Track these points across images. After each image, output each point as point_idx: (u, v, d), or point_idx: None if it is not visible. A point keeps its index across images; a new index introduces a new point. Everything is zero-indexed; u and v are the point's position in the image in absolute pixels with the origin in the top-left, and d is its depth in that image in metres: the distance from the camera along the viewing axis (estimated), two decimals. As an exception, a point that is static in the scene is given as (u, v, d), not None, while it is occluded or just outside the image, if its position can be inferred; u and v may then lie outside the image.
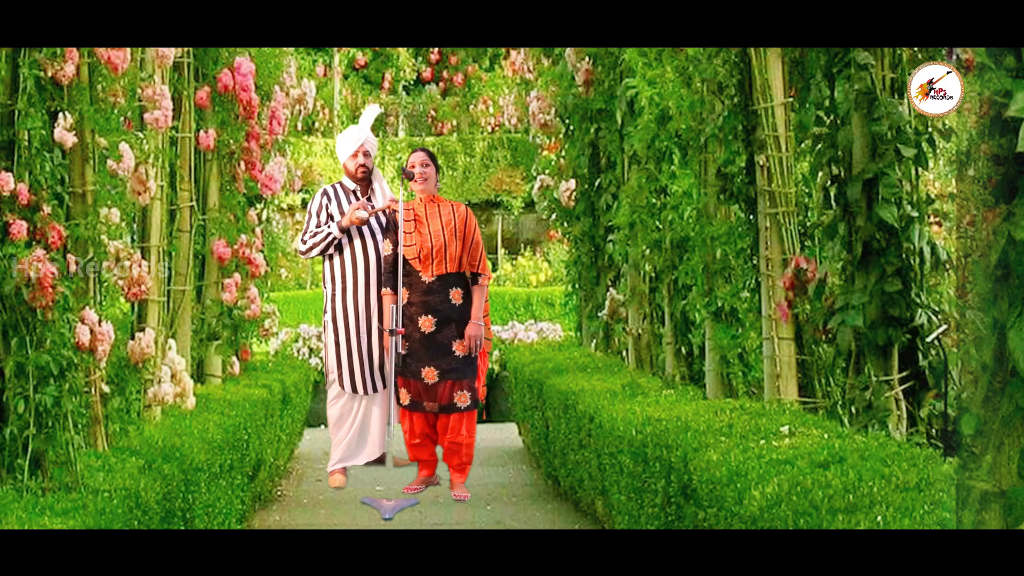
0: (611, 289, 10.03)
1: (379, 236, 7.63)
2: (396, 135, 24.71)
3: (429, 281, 7.44)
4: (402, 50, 25.16)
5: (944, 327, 6.03)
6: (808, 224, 6.73)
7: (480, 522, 8.25)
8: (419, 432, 7.58)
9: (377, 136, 7.95)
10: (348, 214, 7.58)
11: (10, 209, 4.93)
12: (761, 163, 6.54)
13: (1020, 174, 2.83)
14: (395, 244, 7.48)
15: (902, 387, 6.03)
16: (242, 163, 9.05)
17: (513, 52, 12.76)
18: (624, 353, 9.75)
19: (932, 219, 6.85)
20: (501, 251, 22.64)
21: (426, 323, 7.42)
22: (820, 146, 6.34)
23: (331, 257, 7.67)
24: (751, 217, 6.84)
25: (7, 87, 5.05)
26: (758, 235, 6.66)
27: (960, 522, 2.89)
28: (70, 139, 5.25)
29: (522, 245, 22.87)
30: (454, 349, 7.44)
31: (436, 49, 25.44)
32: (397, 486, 7.86)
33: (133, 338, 6.46)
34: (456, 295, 7.48)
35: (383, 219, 7.63)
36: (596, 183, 10.06)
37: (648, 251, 8.49)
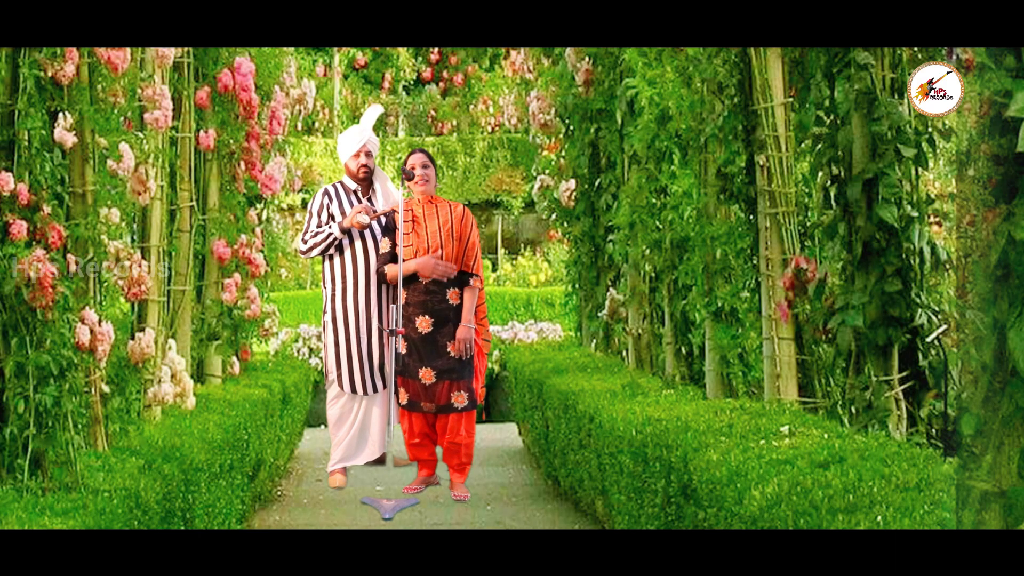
0: (611, 289, 10.04)
1: (380, 237, 7.62)
2: (396, 135, 24.72)
3: (427, 282, 7.44)
4: (402, 50, 25.18)
5: (944, 327, 6.03)
6: (808, 224, 6.73)
7: (480, 522, 8.25)
8: (418, 432, 7.58)
9: (377, 136, 7.93)
10: (349, 216, 7.57)
11: (10, 209, 4.93)
12: (761, 163, 6.54)
13: (1020, 174, 2.83)
14: (393, 244, 7.48)
15: (902, 387, 6.03)
16: (242, 163, 9.05)
17: (513, 52, 12.76)
18: (624, 353, 9.75)
19: (932, 219, 6.85)
20: (501, 251, 22.65)
21: (423, 323, 7.42)
22: (820, 146, 6.34)
23: (331, 257, 7.67)
24: (751, 217, 6.84)
25: (7, 87, 5.05)
26: (758, 235, 6.66)
27: (960, 522, 2.89)
28: (70, 139, 5.25)
29: (522, 245, 22.88)
30: (450, 350, 7.44)
31: (436, 49, 25.45)
32: (397, 486, 7.86)
33: (133, 338, 6.46)
34: (454, 295, 7.47)
35: (383, 220, 7.63)
36: (596, 183, 10.06)
37: (648, 251, 8.50)
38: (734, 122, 6.74)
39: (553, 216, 11.09)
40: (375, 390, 7.64)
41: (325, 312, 7.68)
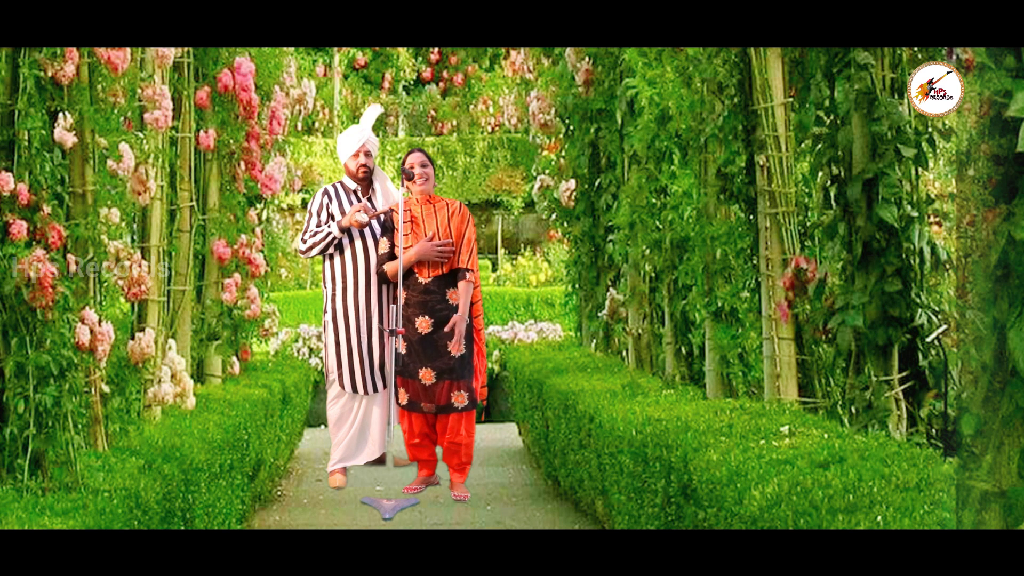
0: (611, 289, 10.03)
1: (379, 237, 7.62)
2: (396, 135, 24.73)
3: (426, 282, 7.44)
4: (402, 50, 25.19)
5: (944, 327, 6.03)
6: (808, 224, 6.73)
7: (480, 522, 8.25)
8: (418, 432, 7.58)
9: (377, 136, 7.93)
10: (348, 215, 7.57)
11: (10, 209, 4.93)
12: (761, 163, 6.54)
13: (1020, 174, 2.83)
14: (392, 245, 7.48)
15: (902, 387, 6.03)
16: (242, 163, 9.05)
17: (513, 52, 12.76)
18: (624, 353, 9.75)
19: (932, 219, 6.84)
20: (501, 251, 22.65)
21: (423, 324, 7.41)
22: (820, 146, 6.34)
23: (331, 257, 7.67)
24: (751, 217, 6.84)
25: (7, 87, 5.05)
26: (758, 235, 6.66)
27: (960, 522, 2.89)
28: (70, 139, 5.25)
29: (522, 245, 22.88)
30: (450, 350, 7.43)
31: (436, 49, 25.46)
32: (397, 486, 7.86)
33: (133, 338, 6.46)
34: (453, 296, 7.47)
35: (382, 219, 7.63)
36: (596, 183, 10.06)
37: (648, 251, 8.49)
38: (734, 122, 6.73)
39: (553, 216, 11.09)
40: (375, 390, 7.64)
41: (325, 312, 7.68)
